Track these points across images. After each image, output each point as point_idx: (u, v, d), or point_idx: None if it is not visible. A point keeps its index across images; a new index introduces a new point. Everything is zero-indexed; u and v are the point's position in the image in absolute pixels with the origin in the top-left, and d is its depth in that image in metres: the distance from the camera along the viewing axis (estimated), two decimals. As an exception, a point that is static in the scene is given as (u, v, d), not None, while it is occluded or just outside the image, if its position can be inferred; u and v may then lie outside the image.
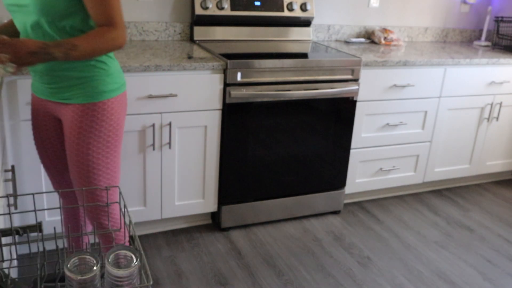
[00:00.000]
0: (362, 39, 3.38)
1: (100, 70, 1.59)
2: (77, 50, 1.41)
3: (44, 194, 2.24)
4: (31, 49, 1.34)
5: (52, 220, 2.31)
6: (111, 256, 0.99)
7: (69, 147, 1.62)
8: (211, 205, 2.66)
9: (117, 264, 0.99)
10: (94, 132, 1.60)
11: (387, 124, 2.97)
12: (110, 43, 1.48)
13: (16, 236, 1.19)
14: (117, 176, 1.70)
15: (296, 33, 3.12)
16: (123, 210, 1.30)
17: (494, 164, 3.51)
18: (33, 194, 1.26)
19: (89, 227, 1.92)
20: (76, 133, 1.59)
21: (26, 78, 2.06)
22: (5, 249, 1.28)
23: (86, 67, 1.56)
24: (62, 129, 1.73)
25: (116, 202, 1.34)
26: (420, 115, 3.07)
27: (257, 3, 2.95)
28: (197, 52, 2.61)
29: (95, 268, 0.95)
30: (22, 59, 1.33)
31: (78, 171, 1.62)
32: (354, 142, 2.91)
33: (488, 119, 3.31)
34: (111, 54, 1.66)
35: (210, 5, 2.83)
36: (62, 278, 1.00)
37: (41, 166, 2.21)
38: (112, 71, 1.64)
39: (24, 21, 1.51)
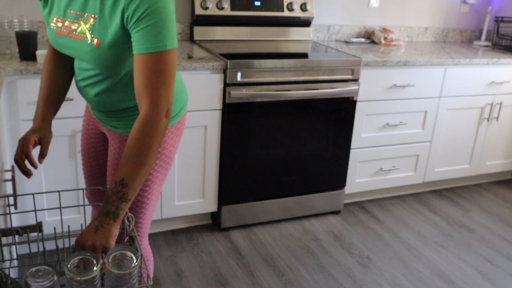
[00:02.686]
0: (362, 39, 3.38)
1: None
2: (130, 182, 1.16)
3: (44, 194, 2.24)
4: (91, 231, 1.10)
5: (52, 220, 2.31)
6: (112, 257, 0.99)
7: (112, 171, 1.50)
8: (211, 205, 2.66)
9: (117, 265, 0.99)
10: None
11: (387, 124, 2.97)
12: (156, 141, 1.20)
13: (16, 236, 1.19)
14: (157, 200, 1.58)
15: (296, 33, 3.12)
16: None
17: (494, 164, 3.51)
18: (33, 194, 1.26)
19: None
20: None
21: (26, 78, 2.06)
22: (5, 249, 1.28)
23: (134, 97, 1.38)
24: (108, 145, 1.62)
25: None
26: (420, 115, 3.07)
27: (257, 3, 2.95)
28: (197, 52, 2.61)
29: (95, 268, 0.95)
30: (97, 246, 1.09)
31: None
32: (354, 142, 2.91)
33: (488, 119, 3.31)
34: None
35: (210, 5, 2.83)
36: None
37: (41, 166, 2.21)
38: None
39: (84, 64, 1.39)
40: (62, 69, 1.52)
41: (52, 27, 1.36)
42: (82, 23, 1.28)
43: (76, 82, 1.48)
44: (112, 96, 1.39)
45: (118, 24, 1.23)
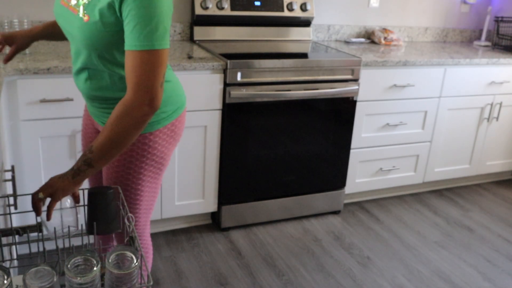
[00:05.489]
0: (362, 39, 3.38)
1: None
2: (94, 152, 1.24)
3: (44, 194, 2.24)
4: (58, 175, 1.26)
5: (52, 220, 2.30)
6: (112, 257, 0.99)
7: (107, 171, 1.52)
8: (211, 205, 2.66)
9: (117, 265, 0.99)
10: (132, 166, 1.47)
11: (387, 124, 2.97)
12: (132, 125, 1.24)
13: (16, 236, 1.19)
14: (155, 200, 1.62)
15: (296, 33, 3.12)
16: (122, 210, 1.30)
17: (494, 164, 3.51)
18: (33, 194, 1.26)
19: None
20: (115, 163, 1.48)
21: (26, 78, 2.06)
22: (5, 249, 1.28)
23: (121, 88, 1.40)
24: None
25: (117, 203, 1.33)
26: (420, 115, 3.07)
27: (257, 3, 2.95)
28: (197, 52, 2.60)
29: (95, 268, 0.95)
30: (51, 187, 1.24)
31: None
32: (354, 142, 2.91)
33: (488, 119, 3.31)
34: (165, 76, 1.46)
35: (210, 5, 2.83)
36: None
37: (41, 166, 2.21)
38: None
39: (76, 48, 1.42)
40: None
41: None
42: None
43: (72, 72, 1.51)
44: (100, 82, 1.41)
45: (105, 5, 1.25)
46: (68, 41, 1.61)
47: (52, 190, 1.22)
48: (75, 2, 1.33)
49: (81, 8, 1.30)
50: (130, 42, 1.23)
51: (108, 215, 1.26)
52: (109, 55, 1.34)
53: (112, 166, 1.49)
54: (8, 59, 1.64)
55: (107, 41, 1.30)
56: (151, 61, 1.23)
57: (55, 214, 1.25)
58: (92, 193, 1.26)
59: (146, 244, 1.65)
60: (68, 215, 1.28)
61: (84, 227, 1.29)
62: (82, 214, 2.34)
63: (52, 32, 1.67)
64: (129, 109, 1.24)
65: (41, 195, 1.21)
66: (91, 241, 2.25)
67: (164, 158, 1.52)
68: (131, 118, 1.24)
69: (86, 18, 1.28)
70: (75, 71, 1.46)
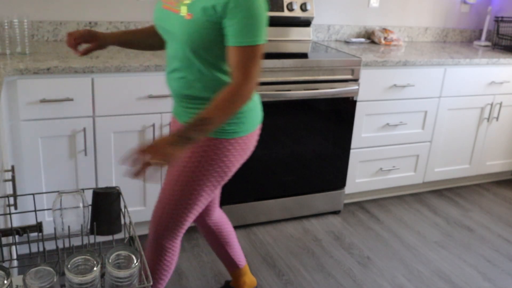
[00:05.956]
0: (362, 39, 3.38)
1: None
2: (212, 123, 1.37)
3: (44, 194, 2.24)
4: (168, 141, 1.31)
5: (52, 220, 2.30)
6: (112, 257, 0.99)
7: (173, 168, 1.59)
8: (211, 205, 2.66)
9: (117, 265, 0.99)
10: (200, 167, 1.56)
11: (387, 124, 2.97)
12: (239, 103, 1.41)
13: (16, 236, 1.19)
14: (202, 208, 1.70)
15: (296, 33, 3.12)
16: (123, 210, 1.30)
17: (494, 164, 3.51)
18: (33, 194, 1.26)
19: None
20: (187, 164, 1.55)
21: (26, 78, 2.06)
22: (5, 249, 1.28)
23: (212, 96, 1.48)
24: None
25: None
26: (420, 115, 3.07)
27: (257, 3, 2.95)
28: (197, 52, 2.60)
29: (95, 268, 0.95)
30: (166, 155, 1.29)
31: (172, 195, 1.60)
32: (354, 142, 2.91)
33: (488, 119, 3.31)
34: None
35: (210, 5, 2.83)
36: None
37: (41, 166, 2.21)
38: (241, 110, 1.55)
39: (174, 48, 1.52)
40: (154, 35, 1.73)
41: (161, 1, 1.56)
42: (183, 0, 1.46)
43: (166, 72, 1.61)
44: (192, 82, 1.51)
45: (209, 5, 1.38)
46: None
47: (167, 158, 1.29)
48: (177, 3, 1.46)
49: (184, 7, 1.43)
50: (238, 39, 1.38)
51: (111, 216, 1.27)
52: (204, 53, 1.46)
53: (180, 165, 1.57)
54: (85, 52, 1.69)
55: (204, 38, 1.43)
56: (255, 54, 1.40)
57: (69, 213, 1.27)
58: (96, 193, 1.27)
59: (177, 248, 1.76)
60: (82, 214, 1.29)
61: (84, 227, 1.29)
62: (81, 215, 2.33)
63: (130, 40, 1.76)
64: (243, 92, 1.40)
65: (156, 161, 1.22)
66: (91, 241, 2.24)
67: (230, 168, 1.59)
68: (243, 99, 1.41)
69: (188, 16, 1.42)
70: (170, 71, 1.56)
